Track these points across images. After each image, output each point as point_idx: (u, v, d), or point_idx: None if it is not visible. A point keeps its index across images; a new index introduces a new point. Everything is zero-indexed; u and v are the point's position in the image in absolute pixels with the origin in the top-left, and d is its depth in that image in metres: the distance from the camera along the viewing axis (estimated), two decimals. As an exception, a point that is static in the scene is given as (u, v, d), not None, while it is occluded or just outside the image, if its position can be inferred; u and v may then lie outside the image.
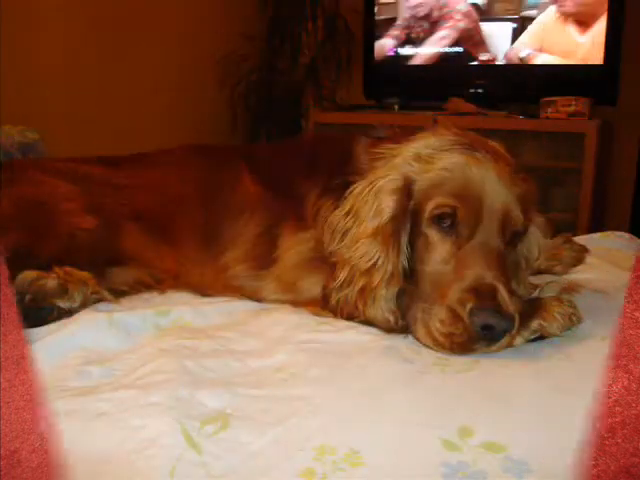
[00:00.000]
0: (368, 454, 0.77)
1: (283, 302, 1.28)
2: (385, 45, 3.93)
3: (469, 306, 1.01)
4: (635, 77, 3.46)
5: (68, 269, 1.16)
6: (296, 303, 1.26)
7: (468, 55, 3.72)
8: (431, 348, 1.05)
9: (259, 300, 1.30)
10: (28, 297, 1.11)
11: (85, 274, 1.17)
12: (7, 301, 0.50)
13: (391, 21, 3.90)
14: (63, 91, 3.12)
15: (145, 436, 0.79)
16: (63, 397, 0.89)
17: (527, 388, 0.92)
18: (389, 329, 1.13)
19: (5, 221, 1.20)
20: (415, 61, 3.87)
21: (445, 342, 1.03)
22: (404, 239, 1.15)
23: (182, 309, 1.19)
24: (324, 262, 1.23)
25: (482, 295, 1.02)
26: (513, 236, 1.15)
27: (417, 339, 1.09)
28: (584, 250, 1.52)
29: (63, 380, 0.95)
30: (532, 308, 1.09)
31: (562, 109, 3.32)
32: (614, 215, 3.68)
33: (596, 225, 3.27)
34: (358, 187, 1.20)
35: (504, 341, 1.03)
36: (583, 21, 3.37)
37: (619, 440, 0.51)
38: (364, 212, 1.17)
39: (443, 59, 3.78)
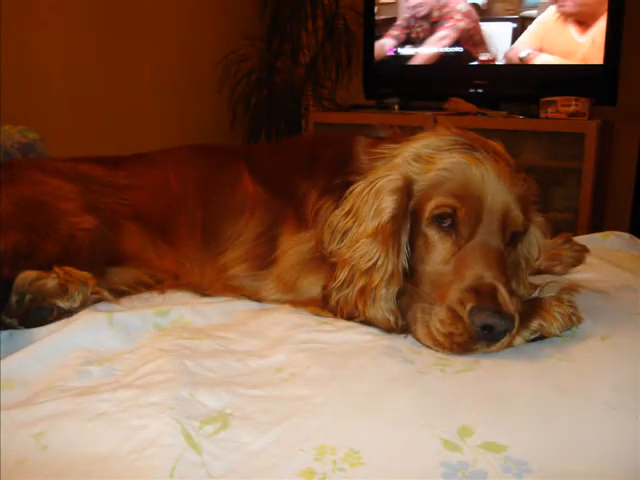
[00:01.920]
0: (368, 454, 0.77)
1: (283, 302, 1.27)
2: (385, 45, 3.93)
3: (469, 306, 1.01)
4: (635, 77, 3.46)
5: (68, 269, 1.16)
6: (296, 303, 1.26)
7: (468, 55, 3.72)
8: (431, 348, 1.05)
9: (259, 300, 1.30)
10: (28, 297, 1.11)
11: (85, 274, 1.17)
12: None
13: (391, 21, 3.90)
14: (63, 91, 3.13)
15: (145, 436, 0.79)
16: (63, 397, 0.89)
17: (527, 388, 0.92)
18: (389, 329, 1.13)
19: (5, 221, 1.20)
20: (415, 61, 3.87)
21: (445, 342, 1.03)
22: (404, 239, 1.15)
23: (182, 309, 1.19)
24: (324, 262, 1.23)
25: (482, 295, 1.02)
26: (513, 236, 1.15)
27: (417, 339, 1.09)
28: (584, 250, 1.52)
29: (63, 380, 0.94)
30: (532, 308, 1.09)
31: (562, 109, 3.32)
32: (614, 215, 3.68)
33: (596, 225, 3.27)
34: (358, 187, 1.20)
35: (504, 341, 1.02)
36: (583, 21, 3.37)
37: None
38: (364, 212, 1.17)
39: (443, 59, 3.78)
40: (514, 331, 1.03)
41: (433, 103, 3.80)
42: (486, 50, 3.68)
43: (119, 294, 1.25)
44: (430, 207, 1.12)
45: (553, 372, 0.97)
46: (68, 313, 1.13)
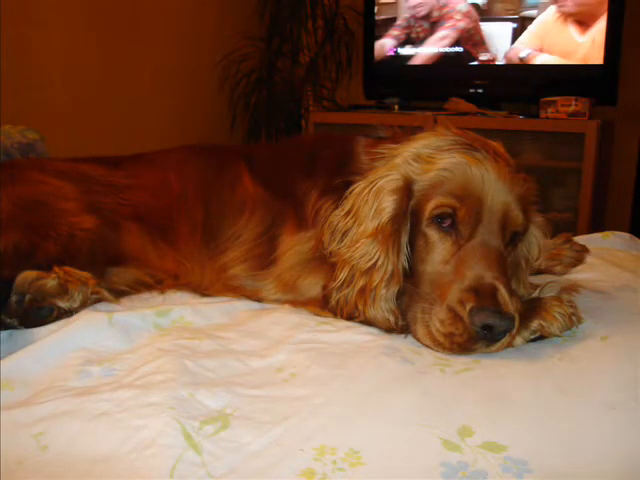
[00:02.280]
0: (368, 454, 0.77)
1: (283, 302, 1.27)
2: (385, 45, 3.93)
3: (469, 306, 1.01)
4: (635, 77, 3.47)
5: (68, 269, 1.16)
6: (296, 303, 1.25)
7: (468, 55, 3.72)
8: (431, 348, 1.05)
9: (259, 300, 1.29)
10: (28, 297, 1.11)
11: (85, 274, 1.17)
12: None
13: (391, 21, 3.90)
14: (63, 91, 3.12)
15: (145, 436, 0.79)
16: (63, 397, 0.89)
17: (527, 388, 0.92)
18: (389, 329, 1.13)
19: (5, 221, 1.20)
20: (415, 61, 3.87)
21: (445, 342, 1.03)
22: (404, 239, 1.15)
23: (182, 309, 1.19)
24: (324, 262, 1.23)
25: (482, 295, 1.02)
26: (513, 236, 1.15)
27: (417, 339, 1.09)
28: (584, 250, 1.52)
29: (63, 380, 0.95)
30: (532, 308, 1.09)
31: (562, 109, 3.32)
32: (614, 215, 3.68)
33: (596, 225, 3.27)
34: (358, 187, 1.20)
35: (504, 341, 1.02)
36: (583, 21, 3.37)
37: None
38: (364, 212, 1.17)
39: (443, 59, 3.78)
40: (514, 331, 1.03)
41: (433, 103, 3.80)
42: (486, 50, 3.68)
43: (119, 294, 1.25)
44: (430, 207, 1.12)
45: (553, 372, 0.97)
46: (68, 313, 1.14)
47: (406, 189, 1.15)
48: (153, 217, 1.39)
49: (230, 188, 1.43)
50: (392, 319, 1.13)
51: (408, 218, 1.16)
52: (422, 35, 3.82)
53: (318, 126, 3.87)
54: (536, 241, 1.26)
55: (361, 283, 1.15)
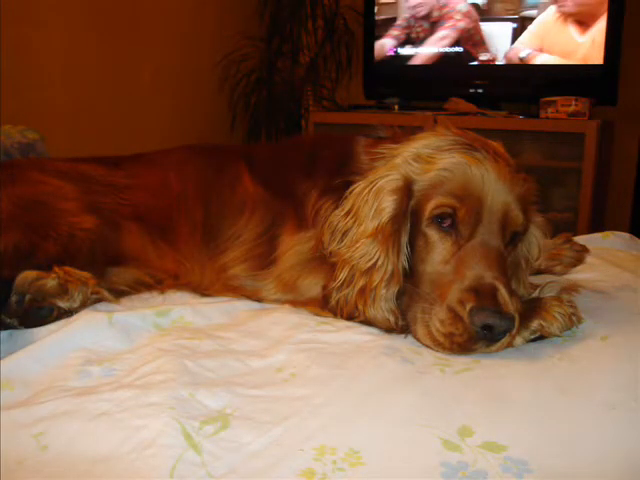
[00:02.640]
0: (368, 454, 0.77)
1: (283, 302, 1.27)
2: (385, 45, 3.93)
3: (469, 306, 1.01)
4: (635, 77, 3.47)
5: (68, 269, 1.16)
6: (296, 303, 1.26)
7: (468, 55, 3.72)
8: (431, 348, 1.05)
9: (259, 300, 1.30)
10: (28, 297, 1.11)
11: (85, 274, 1.17)
12: None
13: (391, 21, 3.90)
14: (63, 91, 3.13)
15: (145, 436, 0.79)
16: (63, 397, 0.89)
17: (527, 388, 0.92)
18: (389, 329, 1.13)
19: (5, 221, 1.20)
20: (415, 61, 3.87)
21: (445, 342, 1.03)
22: (404, 239, 1.15)
23: (182, 309, 1.19)
24: (324, 262, 1.23)
25: (482, 295, 1.02)
26: (513, 236, 1.15)
27: (417, 339, 1.09)
28: (584, 250, 1.52)
29: (63, 380, 0.95)
30: (532, 308, 1.09)
31: (562, 109, 3.32)
32: (614, 215, 3.68)
33: (596, 225, 3.27)
34: (358, 187, 1.20)
35: (504, 341, 1.02)
36: (583, 21, 3.37)
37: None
38: (364, 212, 1.17)
39: (443, 59, 3.78)
40: (514, 331, 1.03)
41: (433, 103, 3.80)
42: (486, 50, 3.68)
43: (119, 294, 1.25)
44: (430, 207, 1.12)
45: (553, 372, 0.97)
46: (68, 313, 1.14)
47: (406, 189, 1.15)
48: (153, 217, 1.39)
49: (230, 188, 1.43)
50: (392, 319, 1.13)
51: (408, 218, 1.16)
52: (422, 35, 3.82)
53: (318, 126, 3.87)
54: (536, 241, 1.26)
55: (361, 283, 1.15)
